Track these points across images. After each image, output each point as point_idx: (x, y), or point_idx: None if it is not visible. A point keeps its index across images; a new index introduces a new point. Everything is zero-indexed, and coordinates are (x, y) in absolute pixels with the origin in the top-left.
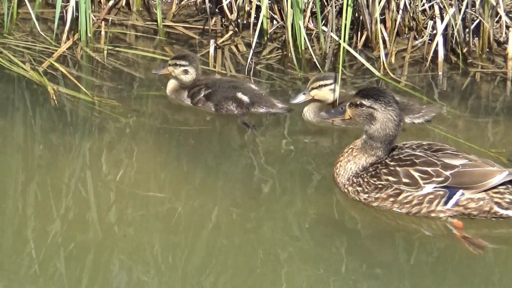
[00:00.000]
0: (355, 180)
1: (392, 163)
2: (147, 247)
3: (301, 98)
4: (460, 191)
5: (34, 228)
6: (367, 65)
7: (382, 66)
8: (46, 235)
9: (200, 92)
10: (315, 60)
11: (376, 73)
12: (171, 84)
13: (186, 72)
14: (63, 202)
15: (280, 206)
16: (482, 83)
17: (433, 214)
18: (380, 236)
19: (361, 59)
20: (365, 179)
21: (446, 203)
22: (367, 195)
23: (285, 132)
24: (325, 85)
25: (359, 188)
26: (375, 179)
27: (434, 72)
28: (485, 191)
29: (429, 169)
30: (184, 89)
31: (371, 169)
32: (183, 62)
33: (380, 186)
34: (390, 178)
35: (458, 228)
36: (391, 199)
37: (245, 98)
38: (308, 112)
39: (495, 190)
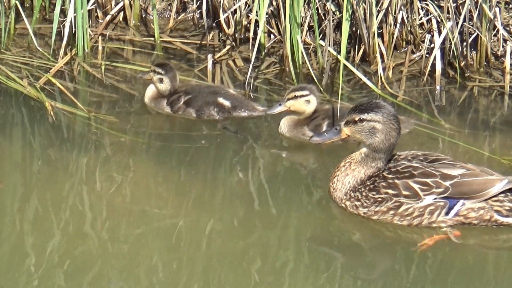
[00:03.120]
0: (352, 194)
1: (390, 176)
2: (145, 262)
3: (277, 108)
4: (461, 201)
5: (31, 244)
6: (365, 79)
7: (379, 81)
8: (44, 251)
9: (179, 99)
10: (312, 74)
11: (374, 87)
12: (150, 91)
13: (161, 80)
14: (61, 218)
15: (277, 221)
16: (480, 97)
17: (434, 225)
18: (380, 248)
19: (359, 74)
20: (363, 193)
21: (447, 213)
22: (366, 209)
23: (282, 143)
24: (301, 96)
25: (357, 203)
26: (374, 192)
27: (432, 86)
28: (485, 200)
29: (428, 180)
30: (164, 97)
31: (368, 183)
32: (159, 70)
33: (379, 199)
34: (390, 191)
35: (456, 236)
36: (392, 211)
37: (226, 103)
38: (283, 126)
39: (495, 198)
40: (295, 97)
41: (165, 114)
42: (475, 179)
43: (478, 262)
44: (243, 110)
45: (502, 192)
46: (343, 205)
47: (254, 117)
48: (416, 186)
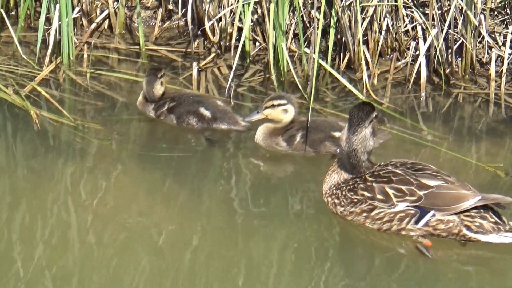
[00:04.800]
0: (335, 191)
1: (370, 179)
2: (129, 271)
3: (254, 116)
4: (432, 212)
5: (16, 252)
6: (349, 86)
7: (364, 88)
8: (29, 260)
9: (164, 105)
10: (297, 82)
11: (359, 94)
12: (141, 96)
13: (144, 84)
14: (46, 227)
15: (259, 229)
16: (465, 104)
17: (403, 232)
18: (363, 255)
19: (344, 81)
20: (343, 192)
21: (417, 222)
22: (343, 208)
23: (262, 153)
24: (279, 105)
25: (336, 201)
26: (352, 193)
27: (417, 93)
28: (456, 213)
29: (404, 187)
30: (152, 102)
31: (350, 183)
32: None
33: (355, 200)
34: (366, 194)
35: (427, 247)
36: (364, 214)
37: (207, 113)
38: (259, 134)
39: (467, 213)
40: (273, 105)
41: (151, 122)
42: (449, 192)
43: (452, 276)
44: (223, 122)
45: (476, 208)
46: (325, 200)
47: (234, 130)
48: (391, 192)
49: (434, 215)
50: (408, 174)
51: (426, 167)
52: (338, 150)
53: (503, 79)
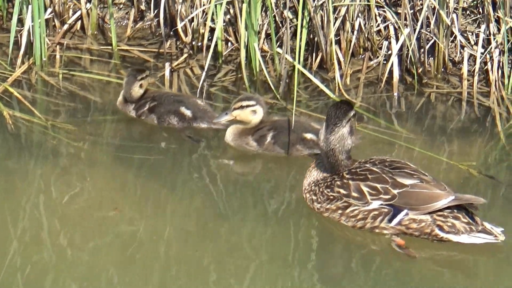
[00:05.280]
0: (313, 187)
1: (347, 176)
2: (103, 271)
3: (223, 117)
4: (405, 211)
5: None
6: (322, 86)
7: (337, 87)
8: (1, 259)
9: (145, 105)
10: (269, 81)
11: (331, 94)
12: (120, 96)
13: (124, 84)
14: (18, 227)
15: (231, 228)
16: (437, 103)
17: (376, 230)
18: (333, 255)
19: (316, 81)
20: (321, 189)
21: (390, 221)
22: (319, 205)
23: (234, 153)
24: (247, 106)
25: (314, 197)
26: (328, 190)
27: (389, 92)
28: (429, 213)
29: (378, 185)
30: (132, 102)
31: (328, 180)
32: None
33: (331, 197)
34: (342, 191)
35: (400, 245)
36: (340, 211)
37: (187, 113)
38: (228, 135)
39: (440, 213)
40: (242, 107)
41: (124, 122)
42: (422, 191)
43: (428, 276)
44: (204, 121)
45: (449, 208)
46: (304, 196)
47: (214, 129)
48: (365, 190)
49: (407, 214)
50: (384, 172)
51: (405, 166)
52: (309, 152)
53: (476, 78)
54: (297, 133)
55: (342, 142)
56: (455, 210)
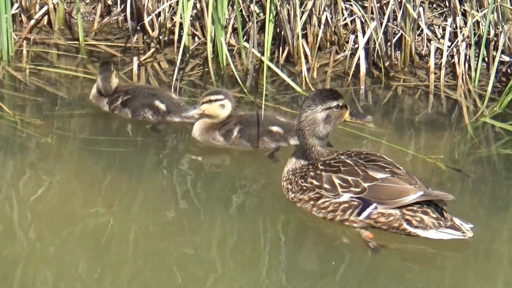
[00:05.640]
0: (290, 176)
1: (321, 167)
2: (71, 266)
3: (191, 112)
4: (374, 205)
5: None
6: (288, 80)
7: (304, 81)
8: None
9: (118, 99)
10: (236, 76)
11: (298, 88)
12: (93, 89)
13: (100, 80)
14: None
15: (202, 223)
16: (405, 97)
17: (346, 223)
18: (302, 247)
19: (283, 75)
20: (295, 179)
21: (359, 214)
22: (293, 194)
23: (203, 148)
24: (216, 100)
25: (289, 186)
26: (302, 180)
27: (356, 86)
28: (399, 207)
29: (349, 178)
30: (106, 95)
31: (304, 169)
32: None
33: (304, 187)
34: (314, 182)
35: (368, 239)
36: (312, 202)
37: (162, 106)
38: (196, 129)
39: (409, 207)
40: (210, 101)
41: (92, 116)
42: (392, 186)
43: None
44: (177, 115)
45: (419, 203)
46: (282, 183)
47: (188, 123)
48: (337, 182)
49: (376, 208)
50: (358, 165)
51: (379, 159)
52: (275, 145)
53: (443, 71)
54: (263, 126)
55: (313, 126)
56: (425, 205)
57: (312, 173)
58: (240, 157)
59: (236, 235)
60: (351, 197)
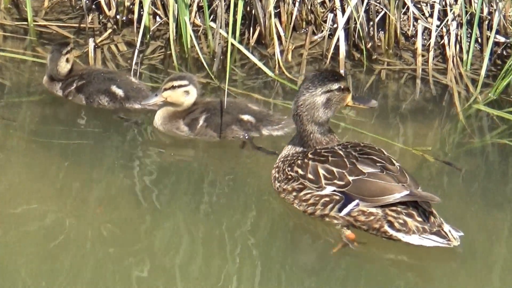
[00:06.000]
0: (279, 164)
1: (310, 156)
2: (18, 264)
3: (152, 99)
4: (356, 201)
5: None
6: (260, 64)
7: (277, 65)
8: None
9: (72, 83)
10: (202, 59)
11: (270, 73)
12: (46, 73)
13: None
14: None
15: (161, 218)
16: (389, 82)
17: (327, 219)
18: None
19: (253, 58)
20: (283, 167)
21: (340, 210)
22: (279, 184)
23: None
24: (179, 86)
25: (276, 175)
26: (289, 168)
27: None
28: (382, 206)
29: (335, 169)
30: (59, 80)
31: (295, 157)
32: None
33: (289, 177)
34: (300, 171)
35: (349, 239)
36: (294, 193)
37: (119, 92)
38: (158, 119)
39: (394, 208)
40: (173, 87)
41: (43, 103)
42: (377, 182)
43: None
44: (137, 102)
45: (405, 204)
46: (272, 171)
47: (149, 111)
48: (322, 172)
49: (357, 204)
50: (350, 157)
51: (375, 153)
52: (247, 135)
53: (431, 53)
54: (233, 115)
55: (312, 111)
56: (411, 207)
57: (299, 161)
58: (207, 149)
59: (198, 233)
60: (334, 190)
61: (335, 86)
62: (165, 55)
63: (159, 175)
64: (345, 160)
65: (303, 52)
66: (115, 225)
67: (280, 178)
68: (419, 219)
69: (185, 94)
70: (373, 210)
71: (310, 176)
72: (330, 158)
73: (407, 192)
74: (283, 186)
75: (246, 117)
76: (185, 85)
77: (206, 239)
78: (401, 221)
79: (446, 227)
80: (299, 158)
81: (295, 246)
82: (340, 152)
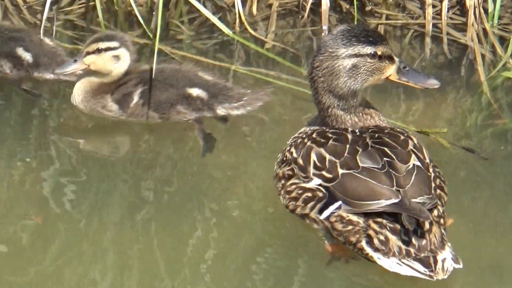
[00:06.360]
0: (288, 142)
1: (313, 136)
2: None
3: (70, 67)
4: (340, 202)
5: None
6: (214, 19)
7: (237, 20)
8: None
9: None
10: (137, 13)
11: (228, 31)
12: None
13: None
14: None
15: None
16: (389, 41)
17: (307, 220)
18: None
19: (206, 11)
20: (287, 147)
21: (320, 211)
22: (276, 166)
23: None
24: (107, 49)
25: (279, 158)
26: (288, 148)
27: (316, 26)
28: (365, 214)
29: (329, 157)
30: None
31: (301, 135)
32: None
33: (284, 159)
34: (293, 153)
35: (330, 253)
36: (283, 181)
37: (26, 56)
38: (77, 94)
39: (379, 218)
40: (98, 50)
41: None
42: (367, 181)
43: None
44: (50, 69)
45: (394, 216)
46: None
47: (67, 82)
48: (313, 158)
49: (339, 207)
50: (357, 143)
51: (393, 143)
52: (195, 116)
53: (445, 3)
54: (178, 88)
55: (330, 78)
56: (399, 219)
57: (298, 141)
58: (144, 134)
59: (134, 237)
60: (320, 184)
61: (368, 50)
62: (87, 7)
63: (77, 173)
64: (347, 146)
65: (272, 2)
66: (20, 232)
67: (278, 161)
68: (405, 237)
69: (114, 60)
70: (354, 217)
71: (300, 161)
72: (330, 142)
73: (396, 201)
74: (276, 169)
75: (195, 92)
76: (114, 48)
77: (137, 242)
78: (382, 237)
79: (443, 255)
80: (303, 137)
81: (265, 244)
82: (349, 135)
